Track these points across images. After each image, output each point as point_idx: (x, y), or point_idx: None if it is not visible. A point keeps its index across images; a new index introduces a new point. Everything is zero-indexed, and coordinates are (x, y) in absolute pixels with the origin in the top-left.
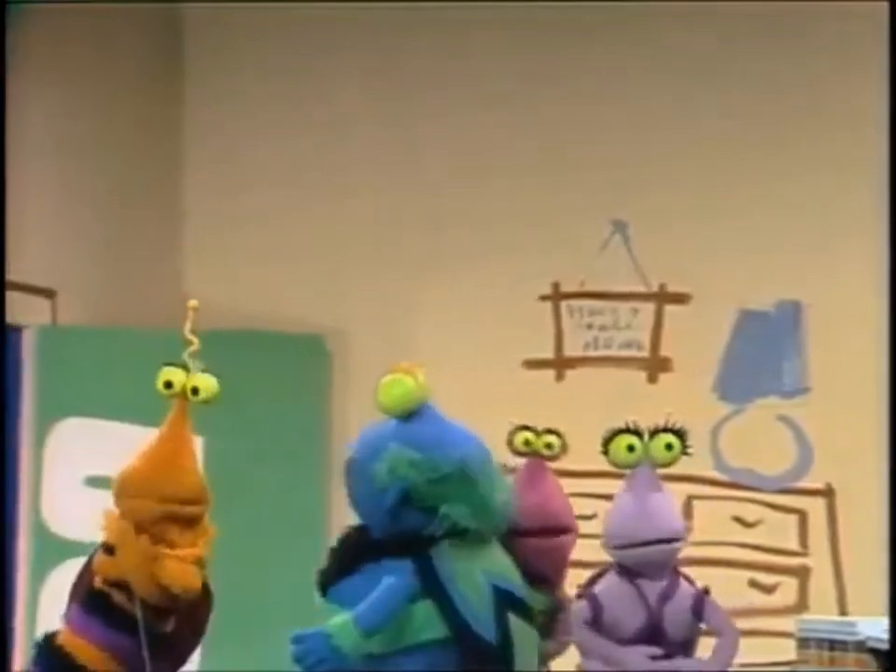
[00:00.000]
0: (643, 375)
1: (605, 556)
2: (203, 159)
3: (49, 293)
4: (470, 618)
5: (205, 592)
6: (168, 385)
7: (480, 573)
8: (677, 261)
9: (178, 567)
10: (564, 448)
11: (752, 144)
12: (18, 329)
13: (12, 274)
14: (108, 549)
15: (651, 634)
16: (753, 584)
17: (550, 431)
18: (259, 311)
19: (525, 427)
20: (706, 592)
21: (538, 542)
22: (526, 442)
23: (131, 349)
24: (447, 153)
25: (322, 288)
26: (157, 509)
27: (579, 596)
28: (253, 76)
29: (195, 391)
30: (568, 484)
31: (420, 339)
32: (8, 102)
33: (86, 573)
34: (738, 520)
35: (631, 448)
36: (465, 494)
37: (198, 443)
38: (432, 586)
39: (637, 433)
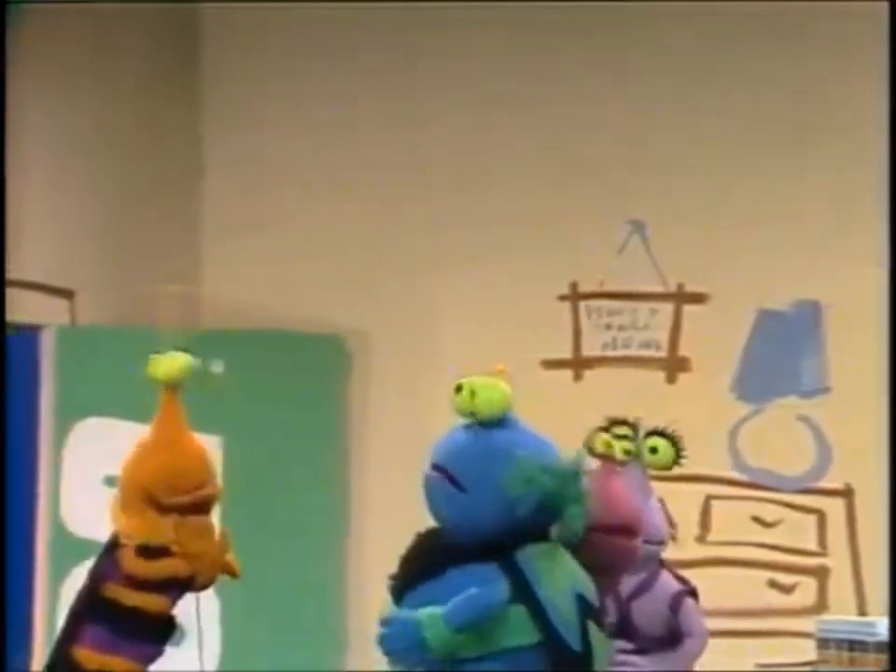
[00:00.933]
0: (661, 375)
1: None
2: (222, 159)
3: (67, 293)
4: (560, 625)
5: None
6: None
7: (564, 579)
8: (695, 261)
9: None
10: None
11: (771, 143)
12: (36, 330)
13: (31, 275)
14: (149, 552)
15: (622, 628)
16: (772, 585)
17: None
18: (278, 311)
19: (606, 429)
20: (692, 593)
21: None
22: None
23: (150, 349)
24: (465, 154)
25: (342, 288)
26: (187, 498)
27: None
28: (270, 75)
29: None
30: None
31: (439, 339)
32: (26, 102)
33: (95, 591)
34: (757, 520)
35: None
36: (580, 495)
37: (216, 443)
38: (523, 591)
39: (632, 427)
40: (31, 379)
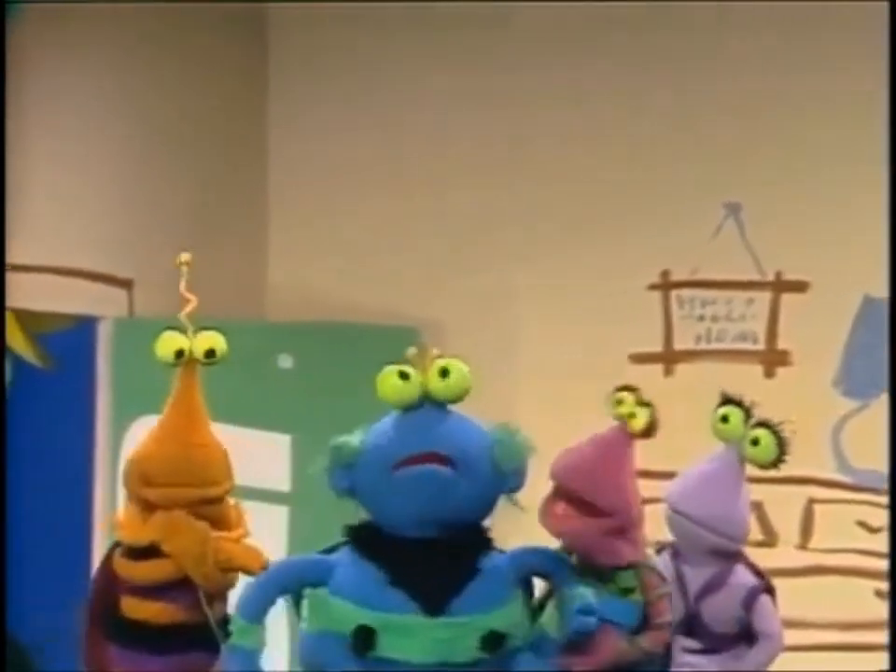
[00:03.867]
0: (759, 370)
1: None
2: (291, 148)
3: (125, 283)
4: None
5: None
6: (180, 354)
7: None
8: (794, 247)
9: (241, 548)
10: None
11: (872, 121)
12: (93, 321)
13: (87, 263)
14: (140, 552)
15: (690, 626)
16: (879, 594)
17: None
18: (349, 302)
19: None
20: (768, 590)
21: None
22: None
23: None
24: (547, 140)
25: (416, 279)
26: (195, 493)
27: None
28: (342, 67)
29: (210, 353)
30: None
31: (519, 332)
32: (87, 92)
33: (105, 603)
34: (863, 525)
35: (725, 418)
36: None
37: (285, 442)
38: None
39: (746, 410)
40: (87, 373)
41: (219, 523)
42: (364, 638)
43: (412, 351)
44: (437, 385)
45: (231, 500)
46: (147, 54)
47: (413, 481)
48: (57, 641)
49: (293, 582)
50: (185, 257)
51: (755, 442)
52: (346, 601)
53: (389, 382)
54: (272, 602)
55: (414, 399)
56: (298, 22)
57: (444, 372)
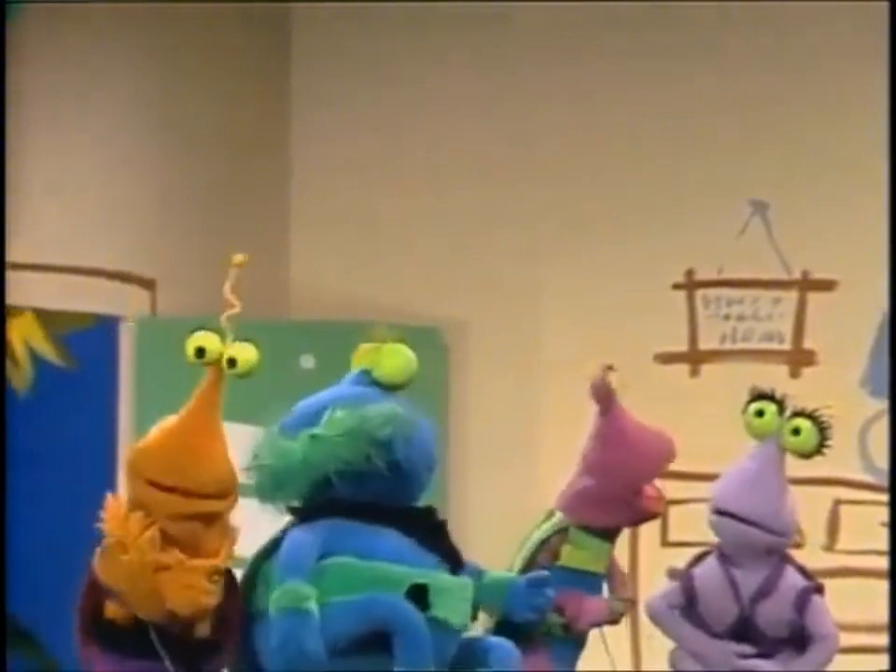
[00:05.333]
0: (785, 370)
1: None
2: (314, 147)
3: (148, 283)
4: None
5: (236, 590)
6: (200, 352)
7: None
8: (822, 245)
9: (181, 589)
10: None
11: None
12: (115, 321)
13: (110, 263)
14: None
15: (744, 630)
16: None
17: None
18: (371, 302)
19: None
20: (818, 589)
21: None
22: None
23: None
24: (568, 139)
25: (438, 278)
26: (183, 504)
27: (672, 577)
28: (367, 67)
29: (232, 363)
30: (705, 488)
31: (542, 331)
32: (111, 94)
33: (91, 603)
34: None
35: (760, 413)
36: None
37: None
38: None
39: (779, 403)
40: (108, 373)
41: (198, 546)
42: (418, 597)
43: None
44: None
45: (229, 521)
46: (174, 54)
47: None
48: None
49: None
50: (238, 258)
51: (796, 432)
52: (386, 564)
53: (403, 359)
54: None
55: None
56: (321, 22)
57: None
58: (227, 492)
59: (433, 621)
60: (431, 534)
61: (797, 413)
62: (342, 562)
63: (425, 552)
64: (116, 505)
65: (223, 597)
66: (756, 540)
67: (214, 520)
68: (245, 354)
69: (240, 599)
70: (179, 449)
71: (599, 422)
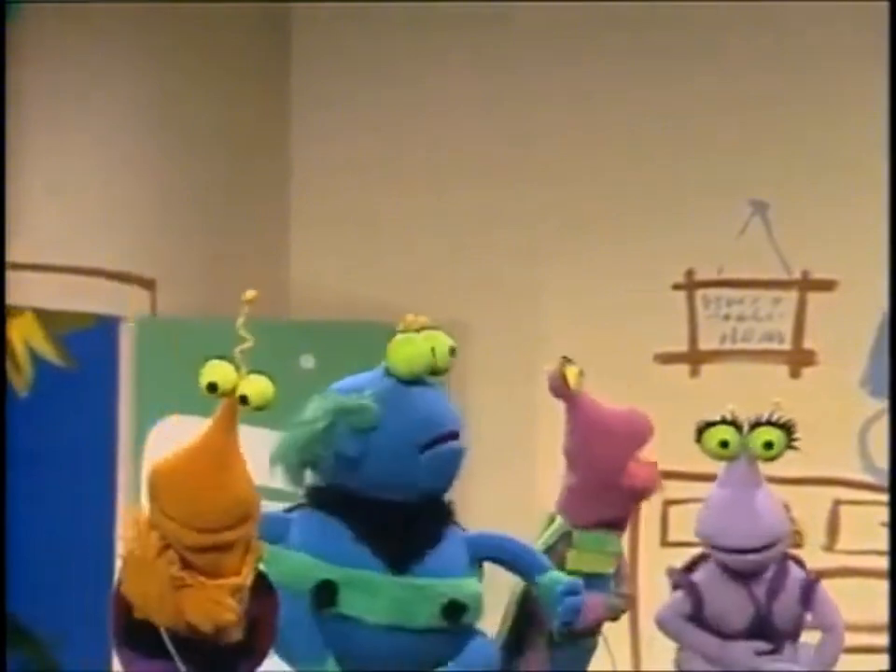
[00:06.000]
0: (785, 370)
1: None
2: (314, 147)
3: (148, 283)
4: None
5: (271, 593)
6: (212, 387)
7: None
8: (822, 245)
9: (200, 602)
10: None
11: None
12: (115, 321)
13: (110, 263)
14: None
15: (760, 629)
16: None
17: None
18: (371, 302)
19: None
20: (816, 579)
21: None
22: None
23: (235, 342)
24: (568, 139)
25: (441, 278)
26: (197, 538)
27: (674, 584)
28: (366, 67)
29: (244, 400)
30: (705, 488)
31: (543, 331)
32: (111, 94)
33: (122, 604)
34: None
35: (724, 444)
36: None
37: None
38: None
39: (735, 425)
40: (109, 373)
41: (217, 570)
42: (326, 593)
43: (409, 319)
44: (445, 360)
45: (250, 540)
46: (174, 54)
47: (443, 460)
48: (74, 638)
49: None
50: (250, 294)
51: (769, 446)
52: (307, 556)
53: (413, 350)
54: None
55: (424, 370)
56: (321, 22)
57: (452, 351)
58: (242, 519)
59: (339, 617)
60: (380, 528)
61: (757, 424)
62: (275, 551)
63: (355, 544)
64: (134, 519)
65: (257, 602)
66: (751, 559)
67: (231, 547)
68: (259, 388)
69: (276, 603)
70: (187, 485)
71: (567, 415)
